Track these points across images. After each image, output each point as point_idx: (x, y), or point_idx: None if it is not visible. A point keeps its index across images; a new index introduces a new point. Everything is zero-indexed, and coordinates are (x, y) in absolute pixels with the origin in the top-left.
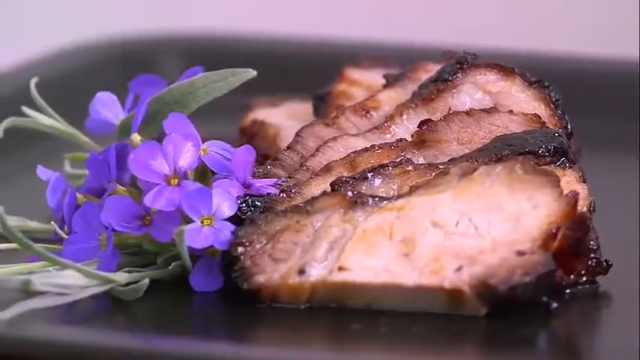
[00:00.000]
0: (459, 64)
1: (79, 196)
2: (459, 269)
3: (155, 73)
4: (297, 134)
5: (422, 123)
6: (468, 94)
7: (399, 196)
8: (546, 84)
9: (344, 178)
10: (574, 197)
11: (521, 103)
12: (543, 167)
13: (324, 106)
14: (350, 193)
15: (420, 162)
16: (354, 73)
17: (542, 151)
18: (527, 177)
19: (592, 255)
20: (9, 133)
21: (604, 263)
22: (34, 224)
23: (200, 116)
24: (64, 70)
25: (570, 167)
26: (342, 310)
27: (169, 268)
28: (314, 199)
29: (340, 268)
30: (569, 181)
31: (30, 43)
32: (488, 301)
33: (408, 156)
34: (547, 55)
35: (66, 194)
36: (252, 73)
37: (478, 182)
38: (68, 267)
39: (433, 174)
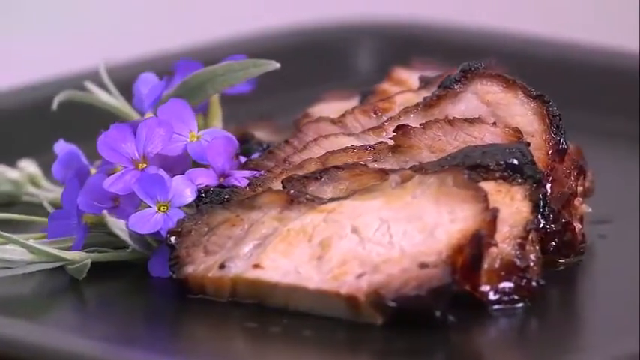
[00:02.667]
0: (463, 72)
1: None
2: (359, 276)
3: (346, 62)
4: (299, 129)
5: (398, 128)
6: (467, 102)
7: (335, 199)
8: (547, 99)
9: (295, 177)
10: (493, 214)
11: (518, 116)
12: (475, 182)
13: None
14: (292, 192)
15: (387, 167)
16: (402, 73)
17: (493, 166)
18: (454, 190)
19: (521, 274)
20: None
21: (534, 284)
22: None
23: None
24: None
25: (521, 184)
26: (263, 309)
27: (127, 251)
28: (257, 194)
29: (255, 266)
30: (514, 198)
31: (221, 29)
32: (381, 310)
33: (382, 159)
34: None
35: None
36: (274, 65)
37: (409, 191)
38: (12, 241)
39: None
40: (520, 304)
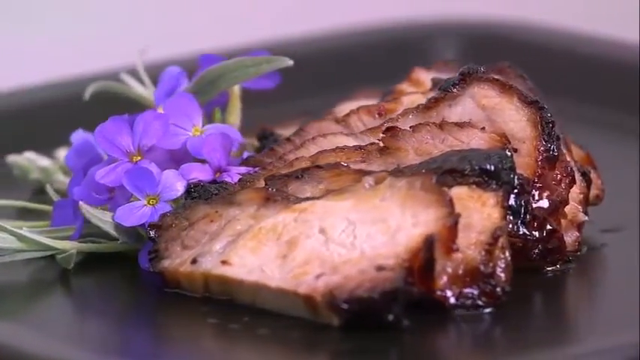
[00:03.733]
0: (462, 75)
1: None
2: (318, 277)
3: (429, 59)
4: (302, 127)
5: (387, 129)
6: (464, 106)
7: (310, 198)
8: (542, 105)
9: (278, 175)
10: (454, 219)
11: (512, 121)
12: (442, 187)
13: None
14: (269, 190)
15: (375, 168)
16: (421, 74)
17: (468, 171)
18: (421, 194)
19: (486, 280)
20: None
21: (499, 290)
22: None
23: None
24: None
25: (495, 190)
26: (231, 306)
27: (119, 242)
28: (237, 191)
29: (223, 262)
30: (485, 203)
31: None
32: (336, 311)
33: (370, 160)
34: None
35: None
36: (287, 61)
37: (379, 194)
38: (1, 229)
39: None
40: (485, 310)
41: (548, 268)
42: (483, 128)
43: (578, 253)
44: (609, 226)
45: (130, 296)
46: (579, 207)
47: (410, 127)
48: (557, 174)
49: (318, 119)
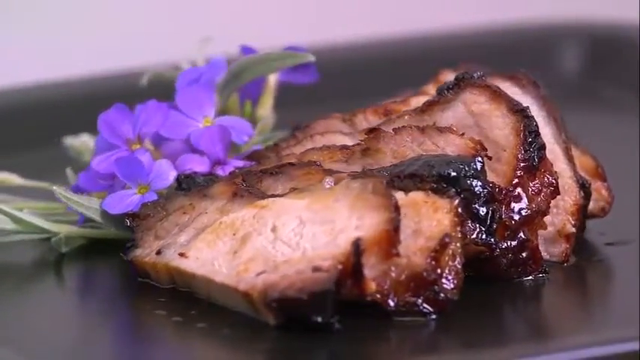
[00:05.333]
0: (457, 80)
1: None
2: (259, 274)
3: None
4: (307, 124)
5: (370, 131)
6: (455, 111)
7: (272, 195)
8: (528, 114)
9: (254, 170)
10: (394, 224)
11: (497, 128)
12: (399, 190)
13: None
14: (238, 185)
15: (355, 168)
16: (447, 76)
17: (427, 176)
18: (371, 197)
19: (430, 287)
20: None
21: (443, 298)
22: None
23: None
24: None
25: (452, 197)
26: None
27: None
28: (212, 184)
29: (180, 255)
30: (438, 209)
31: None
32: (269, 310)
33: (352, 161)
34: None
35: None
36: (309, 57)
37: (334, 194)
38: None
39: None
40: (430, 317)
41: (523, 279)
42: (463, 134)
43: (565, 264)
44: (615, 240)
45: (110, 285)
46: (570, 218)
47: (393, 130)
48: (536, 184)
49: (325, 116)
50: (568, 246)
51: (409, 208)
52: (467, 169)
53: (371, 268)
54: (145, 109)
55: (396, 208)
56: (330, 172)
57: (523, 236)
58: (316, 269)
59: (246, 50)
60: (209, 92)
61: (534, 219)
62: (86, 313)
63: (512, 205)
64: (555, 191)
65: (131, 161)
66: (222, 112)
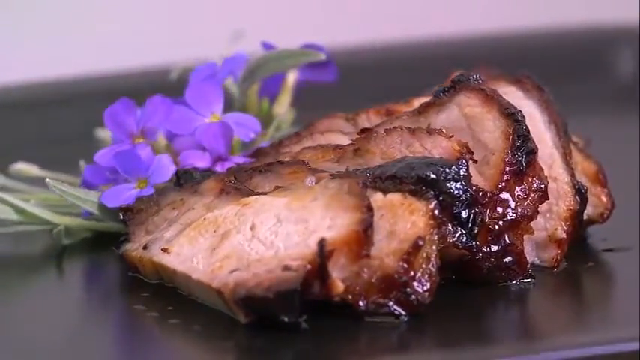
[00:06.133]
0: (453, 82)
1: None
2: (232, 272)
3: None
4: (312, 122)
5: (362, 131)
6: (449, 113)
7: (257, 193)
8: (518, 118)
9: (244, 168)
10: (364, 226)
11: (487, 132)
12: (364, 192)
13: None
14: (226, 182)
15: (344, 169)
16: None
17: (407, 178)
18: (346, 197)
19: (402, 289)
20: None
21: (414, 300)
22: None
23: None
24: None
25: (429, 199)
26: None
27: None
28: (202, 181)
29: (163, 250)
30: (414, 212)
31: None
32: (239, 308)
33: (344, 161)
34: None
35: None
36: (321, 55)
37: (312, 194)
38: (3, 202)
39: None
40: (404, 318)
41: (508, 283)
42: (451, 137)
43: (555, 269)
44: (615, 246)
45: (105, 279)
46: (562, 224)
47: (384, 131)
48: (524, 188)
49: (330, 115)
50: (559, 251)
51: (386, 210)
52: (447, 171)
53: (340, 269)
54: (150, 104)
55: (369, 209)
56: (315, 172)
57: (507, 240)
58: (286, 268)
59: (267, 47)
60: (218, 88)
61: (520, 224)
62: (77, 306)
63: (498, 209)
64: (544, 196)
65: (130, 156)
66: (241, 108)
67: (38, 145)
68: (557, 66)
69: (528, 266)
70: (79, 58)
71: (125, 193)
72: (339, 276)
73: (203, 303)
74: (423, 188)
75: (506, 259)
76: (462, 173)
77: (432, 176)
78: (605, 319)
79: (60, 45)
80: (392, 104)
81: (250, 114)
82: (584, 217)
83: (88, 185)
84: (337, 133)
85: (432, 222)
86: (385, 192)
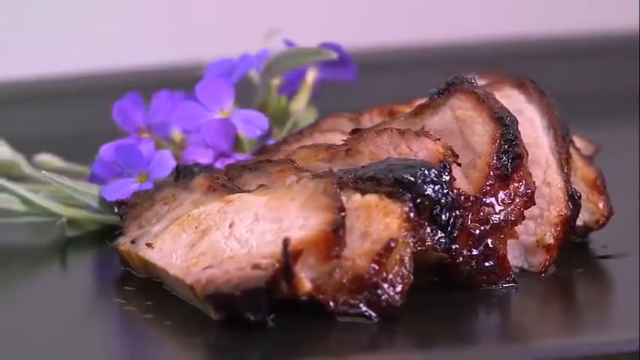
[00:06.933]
0: (447, 85)
1: None
2: (205, 269)
3: None
4: (317, 121)
5: (353, 131)
6: (442, 115)
7: (242, 190)
8: (506, 122)
9: (235, 165)
10: (335, 226)
11: (476, 135)
12: (338, 192)
13: None
14: (217, 178)
15: (334, 169)
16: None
17: (384, 179)
18: (320, 197)
19: (372, 290)
20: None
21: (384, 301)
22: None
23: None
24: None
25: (405, 201)
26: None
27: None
28: (194, 177)
29: (147, 245)
30: (388, 214)
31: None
32: (209, 305)
33: (335, 161)
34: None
35: None
36: (333, 55)
37: (291, 193)
38: (7, 191)
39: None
40: (373, 320)
41: (492, 287)
42: (438, 139)
43: (543, 275)
44: (613, 252)
45: (101, 272)
46: (552, 229)
47: (375, 132)
48: (509, 193)
49: (335, 115)
50: (548, 257)
51: (362, 211)
52: (426, 174)
53: (309, 269)
54: (157, 98)
55: (341, 210)
56: (300, 171)
57: (490, 245)
58: (255, 267)
59: (289, 44)
60: (229, 85)
61: (503, 228)
62: (70, 299)
63: (481, 212)
64: (529, 201)
65: (131, 150)
66: (261, 105)
67: (61, 138)
68: (563, 71)
69: (511, 271)
70: (96, 55)
71: (125, 187)
72: (308, 276)
73: (183, 299)
74: (400, 190)
75: (488, 263)
76: (442, 176)
77: (410, 178)
78: (591, 323)
79: (72, 43)
80: (396, 105)
81: (269, 110)
82: (581, 223)
83: (96, 178)
84: (338, 132)
85: (406, 224)
86: (363, 193)
